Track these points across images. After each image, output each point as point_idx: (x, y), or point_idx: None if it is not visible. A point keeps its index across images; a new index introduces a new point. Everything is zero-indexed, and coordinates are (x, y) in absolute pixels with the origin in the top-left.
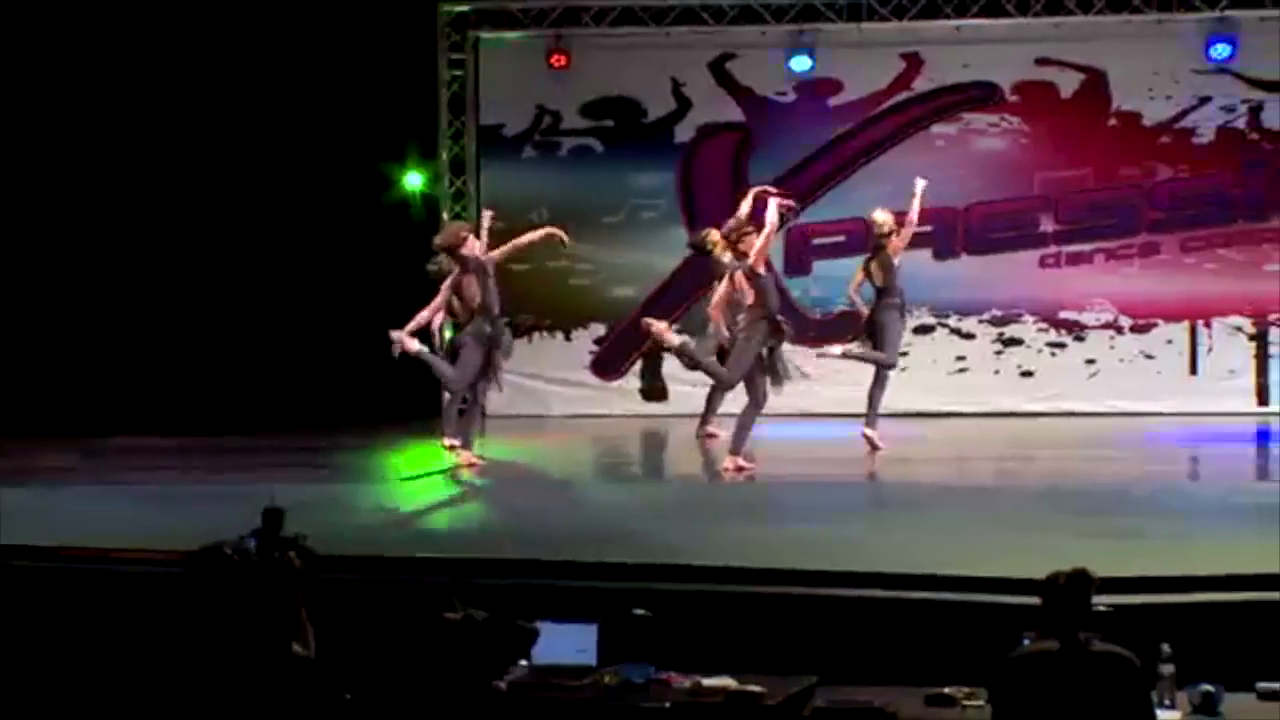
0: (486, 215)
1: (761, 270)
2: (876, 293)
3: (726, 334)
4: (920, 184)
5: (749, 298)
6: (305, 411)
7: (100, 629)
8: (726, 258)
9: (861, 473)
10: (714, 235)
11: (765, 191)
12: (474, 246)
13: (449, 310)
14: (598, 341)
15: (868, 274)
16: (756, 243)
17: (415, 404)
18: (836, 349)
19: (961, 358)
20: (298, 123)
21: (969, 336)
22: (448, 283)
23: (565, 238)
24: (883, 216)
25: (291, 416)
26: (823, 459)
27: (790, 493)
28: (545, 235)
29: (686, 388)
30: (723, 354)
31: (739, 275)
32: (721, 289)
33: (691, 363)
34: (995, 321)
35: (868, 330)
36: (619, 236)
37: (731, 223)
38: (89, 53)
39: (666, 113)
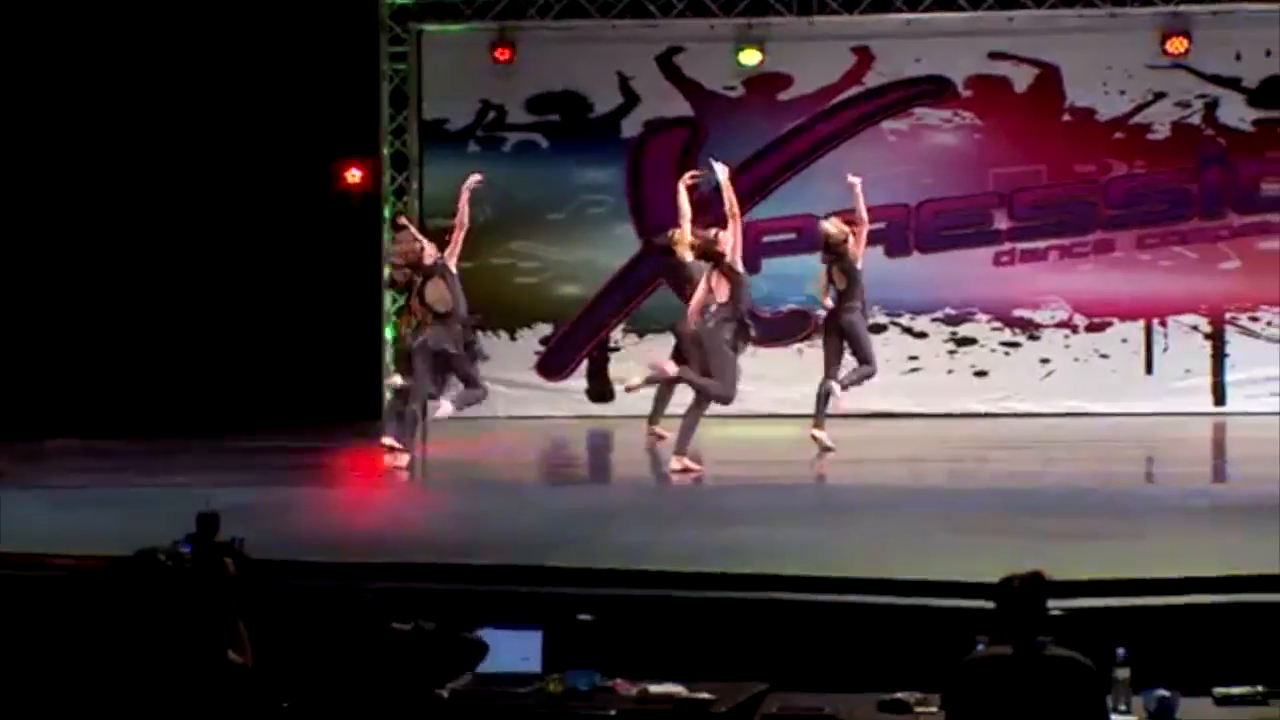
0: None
1: (739, 267)
2: (839, 295)
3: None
4: (855, 181)
5: (721, 295)
6: (244, 412)
7: (32, 636)
8: (689, 258)
9: (812, 475)
10: (678, 234)
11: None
12: (431, 251)
13: (410, 312)
14: (544, 341)
15: (830, 279)
16: (727, 238)
17: (358, 403)
18: (836, 387)
19: (914, 357)
20: (236, 117)
21: (921, 336)
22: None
23: (477, 178)
24: (833, 228)
25: (230, 417)
26: (772, 460)
27: (739, 495)
28: (466, 194)
29: None
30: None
31: (715, 275)
32: (699, 294)
33: (694, 385)
34: (948, 320)
35: (833, 334)
36: (565, 233)
37: (698, 240)
38: (27, 51)
39: (613, 107)
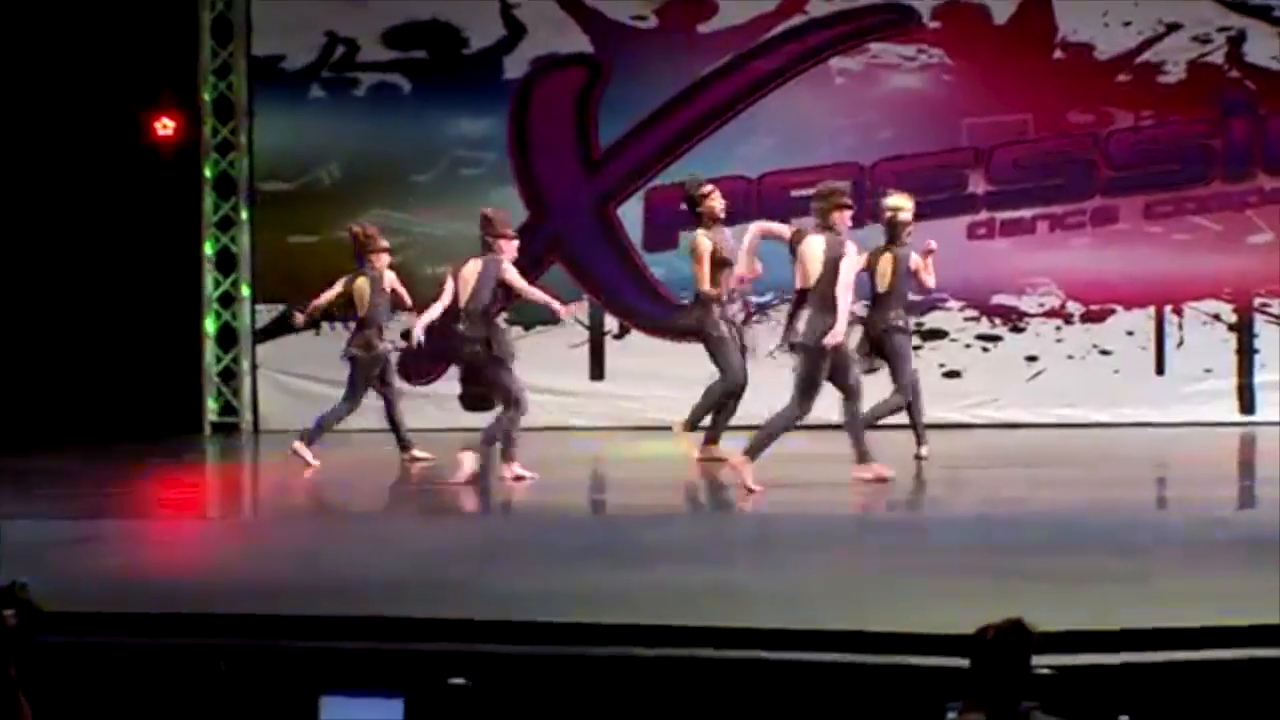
0: None
1: None
2: (876, 300)
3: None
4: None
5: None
6: (41, 428)
7: None
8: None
9: (744, 502)
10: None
11: None
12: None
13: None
14: (405, 336)
15: (870, 270)
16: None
17: (177, 413)
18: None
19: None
20: (16, 53)
21: None
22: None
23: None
24: (903, 202)
25: (25, 433)
26: (692, 484)
27: (651, 528)
28: None
29: None
30: None
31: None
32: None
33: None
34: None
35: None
36: (433, 199)
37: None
38: None
39: (493, 42)
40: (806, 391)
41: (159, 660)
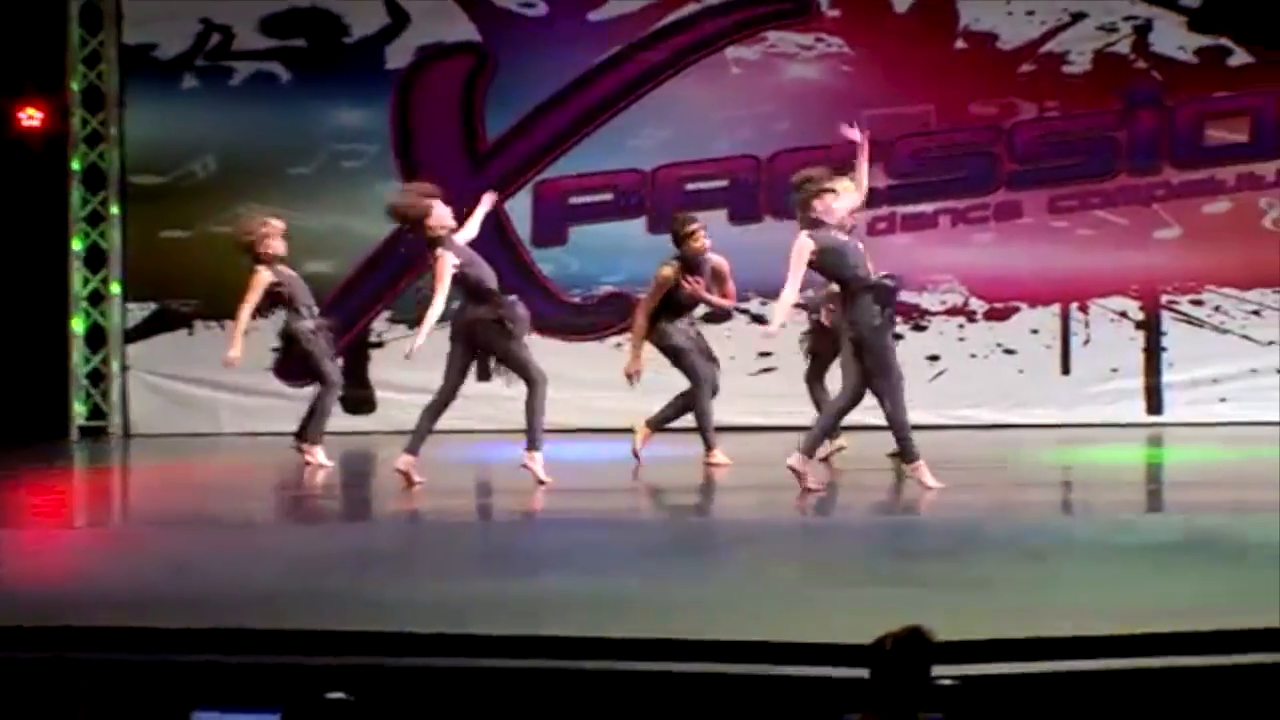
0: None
1: None
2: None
3: None
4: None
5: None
6: None
7: None
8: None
9: (635, 507)
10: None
11: None
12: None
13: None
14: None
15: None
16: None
17: (39, 424)
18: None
19: (766, 354)
20: None
21: None
22: None
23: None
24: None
25: None
26: (584, 489)
27: (538, 534)
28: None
29: (397, 395)
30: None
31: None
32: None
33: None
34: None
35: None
36: (312, 193)
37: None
38: None
39: (376, 30)
40: (885, 375)
41: (20, 675)
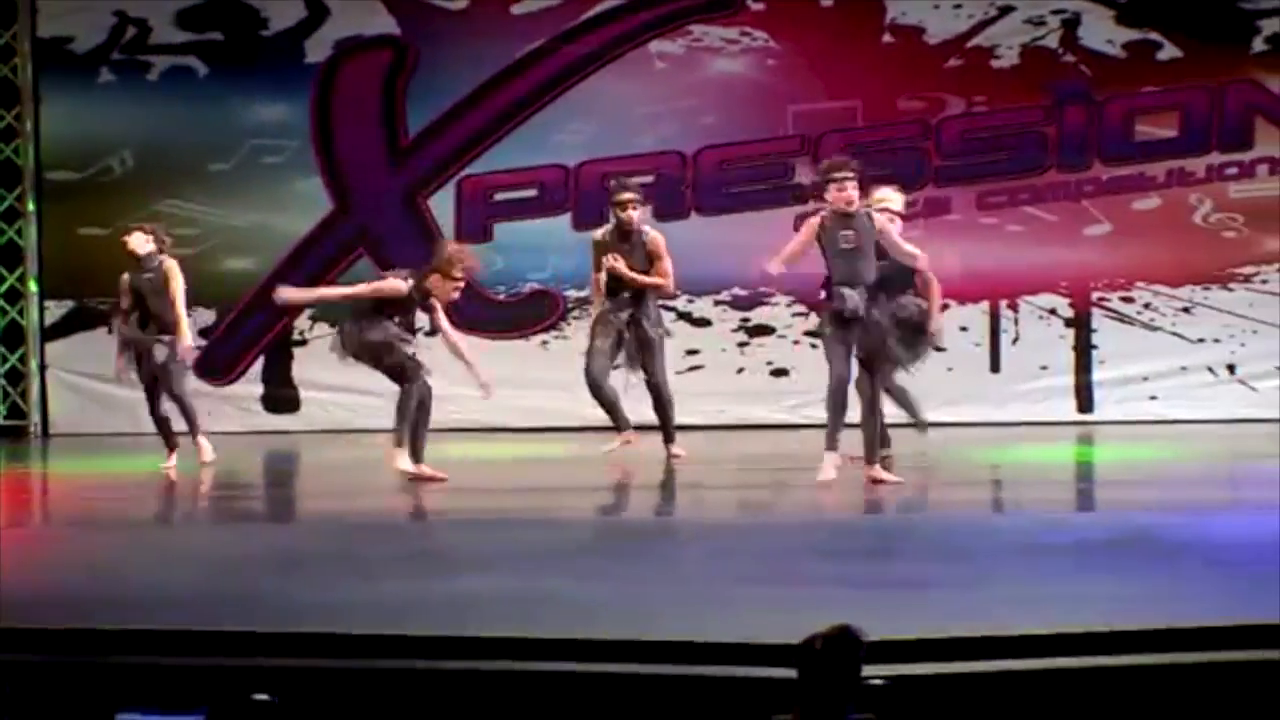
0: None
1: None
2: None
3: None
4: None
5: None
6: None
7: None
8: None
9: (559, 508)
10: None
11: None
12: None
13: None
14: (204, 333)
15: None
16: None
17: None
18: None
19: (693, 352)
20: None
21: (703, 323)
22: None
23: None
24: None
25: None
26: (509, 488)
27: (463, 534)
28: None
29: (320, 394)
30: None
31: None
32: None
33: None
34: (737, 303)
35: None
36: (232, 189)
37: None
38: None
39: (294, 23)
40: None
41: None
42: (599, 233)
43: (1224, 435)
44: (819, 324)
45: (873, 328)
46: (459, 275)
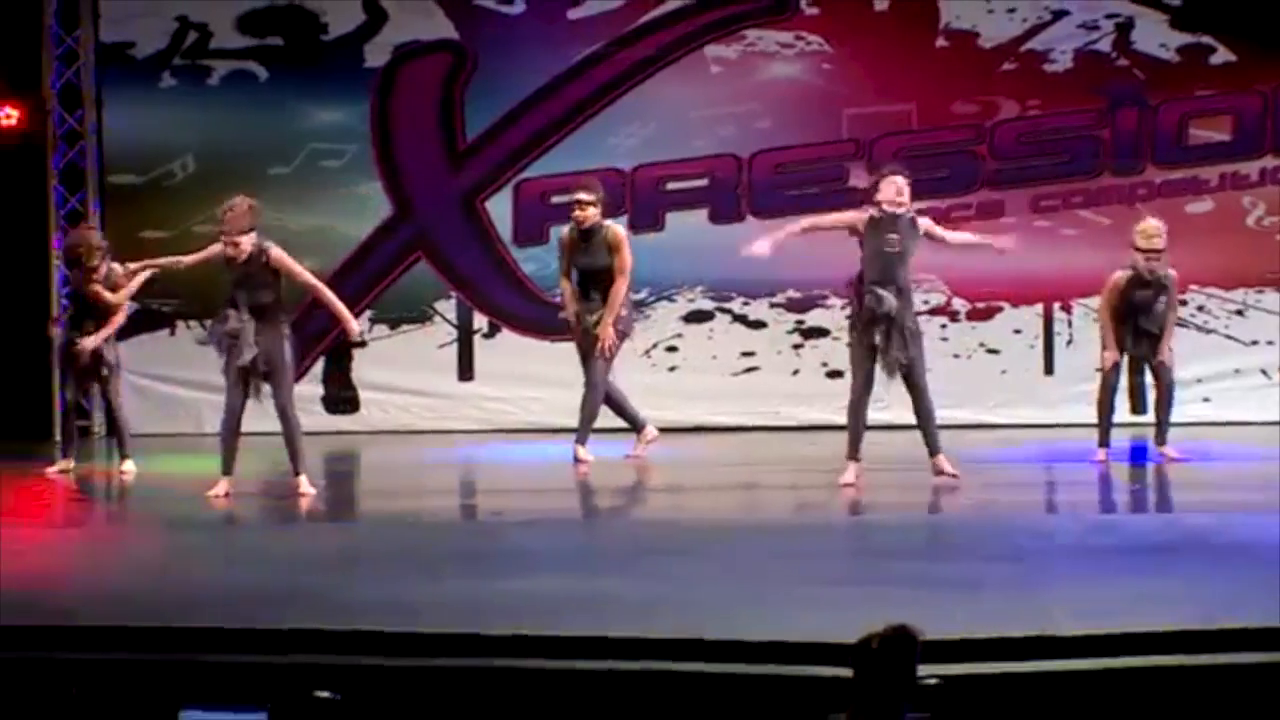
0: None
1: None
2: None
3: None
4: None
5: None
6: None
7: None
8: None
9: (620, 508)
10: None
11: None
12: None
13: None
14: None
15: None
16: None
17: (22, 423)
18: None
19: (749, 354)
20: None
21: (758, 325)
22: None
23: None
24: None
25: None
26: (568, 488)
27: (527, 534)
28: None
29: (379, 395)
30: None
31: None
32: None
33: None
34: (792, 306)
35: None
36: (292, 193)
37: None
38: None
39: (354, 28)
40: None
41: (12, 675)
42: (564, 230)
43: (1275, 437)
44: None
45: (905, 330)
46: (221, 231)
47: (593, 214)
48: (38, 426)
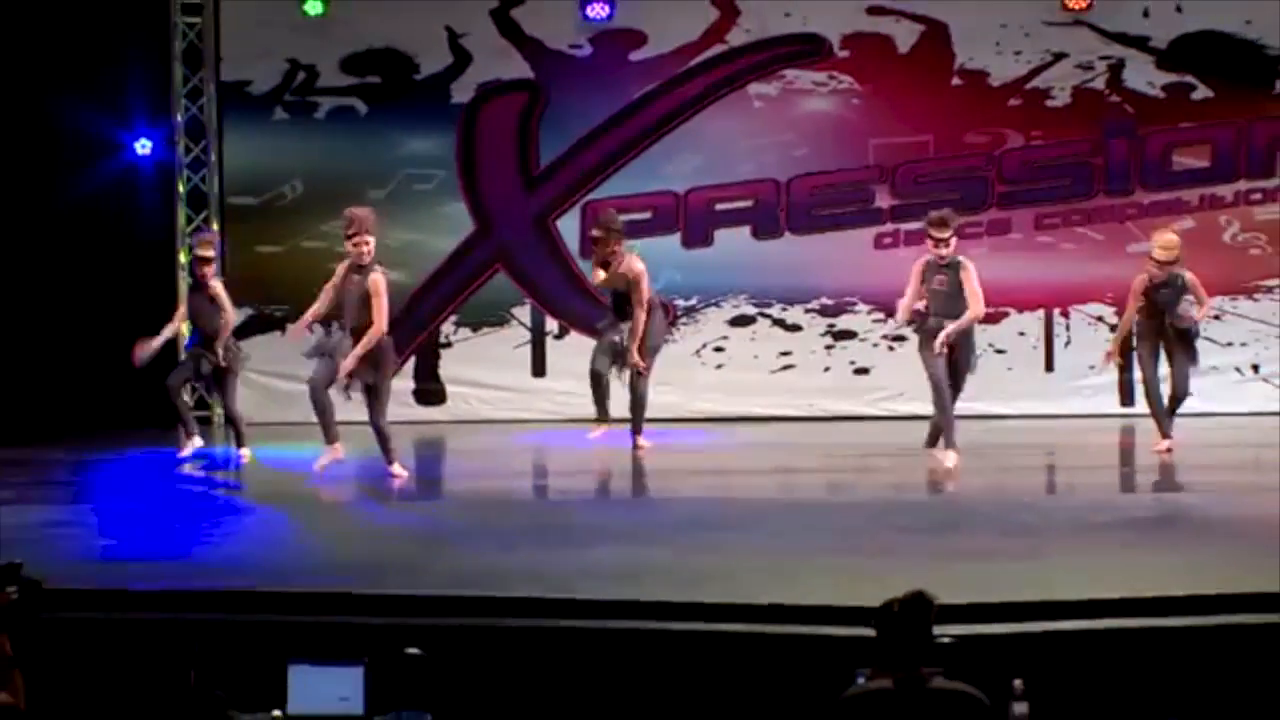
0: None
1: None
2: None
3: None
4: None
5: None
6: (27, 420)
7: None
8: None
9: (671, 488)
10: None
11: None
12: None
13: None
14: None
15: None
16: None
17: (152, 413)
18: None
19: (786, 353)
20: (11, 79)
21: (794, 329)
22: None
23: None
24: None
25: (9, 425)
26: (627, 472)
27: (589, 512)
28: None
29: (463, 389)
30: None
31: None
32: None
33: None
34: (824, 311)
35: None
36: (388, 213)
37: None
38: None
39: (442, 68)
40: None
41: (139, 634)
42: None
43: (1247, 426)
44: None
45: (959, 348)
46: (352, 232)
47: (608, 251)
48: (164, 414)
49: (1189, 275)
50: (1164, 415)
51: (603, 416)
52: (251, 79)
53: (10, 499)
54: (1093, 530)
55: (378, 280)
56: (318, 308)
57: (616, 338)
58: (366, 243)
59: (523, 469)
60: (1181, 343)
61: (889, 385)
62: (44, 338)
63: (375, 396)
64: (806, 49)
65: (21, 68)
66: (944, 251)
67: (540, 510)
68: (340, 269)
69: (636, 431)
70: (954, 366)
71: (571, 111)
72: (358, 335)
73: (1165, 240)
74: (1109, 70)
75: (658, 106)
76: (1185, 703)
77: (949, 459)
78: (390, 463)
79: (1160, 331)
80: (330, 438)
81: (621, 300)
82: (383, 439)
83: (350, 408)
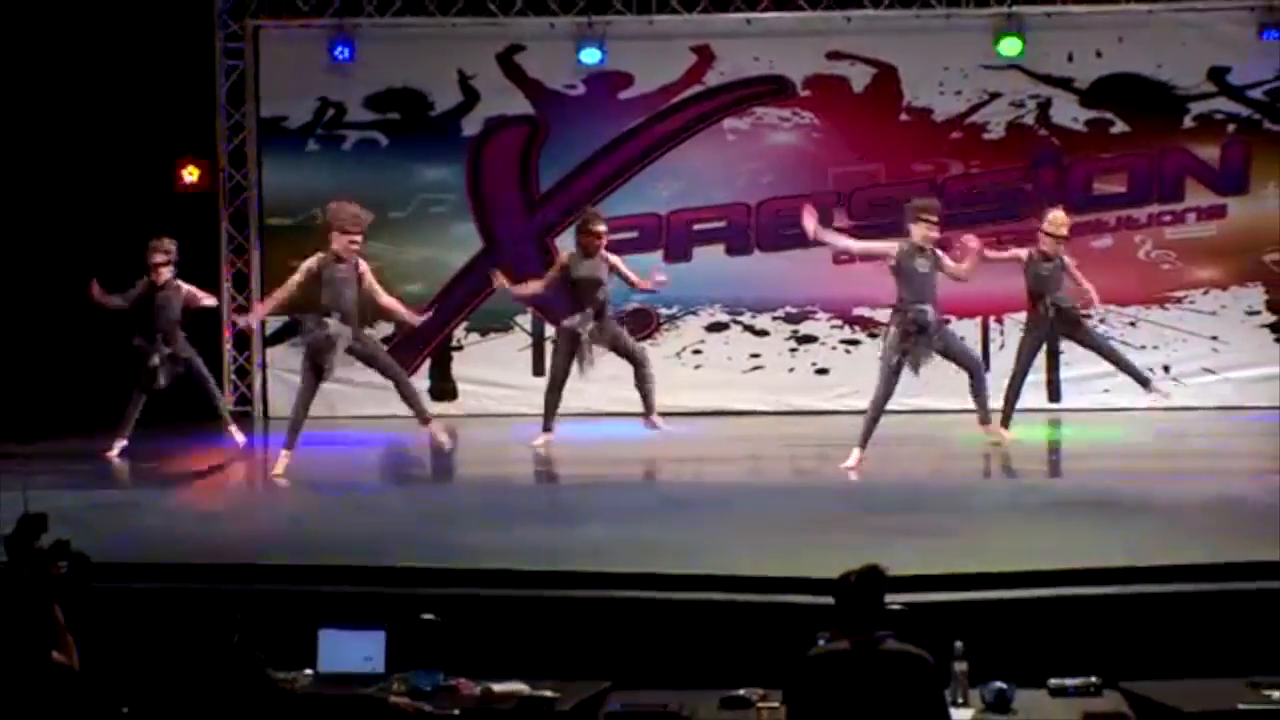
0: None
1: None
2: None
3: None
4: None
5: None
6: (78, 413)
7: None
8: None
9: (653, 473)
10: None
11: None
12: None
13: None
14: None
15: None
16: None
17: (198, 408)
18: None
19: (756, 355)
20: (70, 115)
21: (763, 334)
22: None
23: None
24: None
25: (64, 418)
26: (615, 459)
27: (581, 494)
28: None
29: (473, 387)
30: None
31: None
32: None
33: None
34: (789, 318)
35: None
36: (406, 232)
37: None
38: None
39: (454, 105)
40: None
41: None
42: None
43: (1159, 419)
44: (886, 342)
45: (945, 333)
46: (351, 227)
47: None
48: (209, 409)
49: (1069, 259)
50: (1012, 408)
51: (548, 426)
52: (287, 115)
53: (81, 484)
54: (1026, 510)
55: (364, 263)
56: (282, 296)
57: (578, 329)
58: (357, 241)
59: (524, 457)
60: (1065, 323)
61: (846, 384)
62: (98, 339)
63: (384, 363)
64: (774, 89)
65: (88, 106)
66: (937, 235)
67: (539, 493)
68: (313, 263)
69: (650, 410)
70: (915, 365)
71: (568, 143)
72: (361, 317)
73: (1055, 217)
74: (1038, 108)
75: (643, 139)
76: (1103, 661)
77: (1004, 436)
78: (426, 420)
79: (1047, 320)
80: (290, 443)
81: (590, 289)
82: (408, 391)
83: (393, 401)
